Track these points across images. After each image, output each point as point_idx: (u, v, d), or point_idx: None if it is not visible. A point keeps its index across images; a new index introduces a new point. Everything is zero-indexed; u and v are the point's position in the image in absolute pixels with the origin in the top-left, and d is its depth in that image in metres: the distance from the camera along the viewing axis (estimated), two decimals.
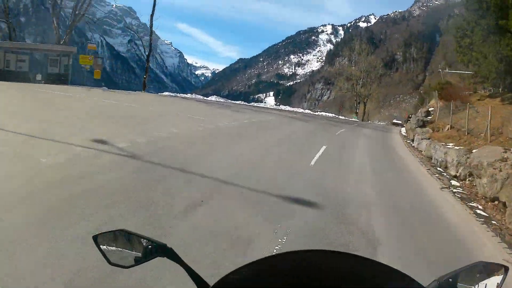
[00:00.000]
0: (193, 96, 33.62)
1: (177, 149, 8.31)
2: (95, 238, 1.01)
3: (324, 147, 11.38)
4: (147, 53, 33.39)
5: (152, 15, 32.25)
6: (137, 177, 5.81)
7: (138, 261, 0.99)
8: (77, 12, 31.26)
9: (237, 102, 37.55)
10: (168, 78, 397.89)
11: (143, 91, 29.80)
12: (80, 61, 29.82)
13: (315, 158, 9.50)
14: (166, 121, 12.96)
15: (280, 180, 6.96)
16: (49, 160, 5.97)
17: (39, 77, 29.20)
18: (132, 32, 32.11)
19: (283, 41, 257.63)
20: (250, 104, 39.33)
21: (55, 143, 6.97)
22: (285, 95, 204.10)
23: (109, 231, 1.02)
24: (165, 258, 0.96)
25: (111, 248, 1.00)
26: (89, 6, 31.80)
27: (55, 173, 5.38)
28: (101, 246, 1.00)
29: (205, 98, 33.66)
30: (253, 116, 19.63)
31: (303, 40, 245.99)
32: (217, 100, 32.62)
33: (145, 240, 0.99)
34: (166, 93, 28.57)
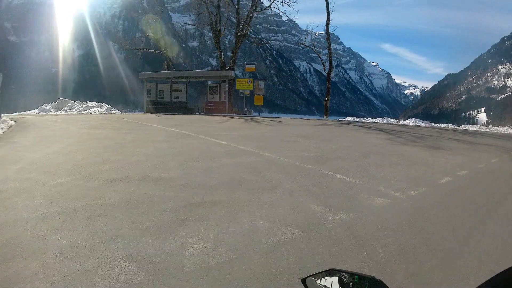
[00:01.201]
0: (387, 120, 23.07)
1: None
2: (303, 281, 1.06)
3: None
4: (327, 71, 23.81)
5: (327, 25, 24.61)
6: None
7: None
8: (239, 34, 25.82)
9: (443, 125, 28.25)
10: (378, 100, 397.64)
11: (325, 117, 23.23)
12: (237, 86, 23.14)
13: None
14: None
15: None
16: None
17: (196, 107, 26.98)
18: (316, 54, 23.46)
19: (488, 50, 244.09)
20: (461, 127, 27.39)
21: None
22: (497, 111, 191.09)
23: (318, 273, 1.07)
24: None
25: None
26: (249, 26, 26.54)
27: None
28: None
29: (402, 122, 24.98)
30: None
31: (509, 47, 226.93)
32: (417, 123, 24.02)
33: (354, 276, 1.00)
34: (350, 118, 19.38)
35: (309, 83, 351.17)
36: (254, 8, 24.92)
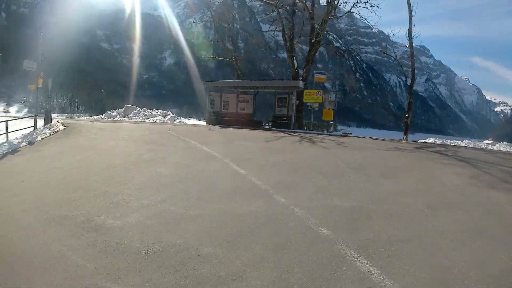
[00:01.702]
0: (474, 144, 18.84)
1: None
2: None
3: None
4: (409, 83, 19.75)
5: (409, 30, 20.37)
6: None
7: None
8: (313, 40, 22.75)
9: None
10: (468, 117, 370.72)
11: (404, 137, 19.09)
12: (304, 98, 20.81)
13: None
14: None
15: None
16: None
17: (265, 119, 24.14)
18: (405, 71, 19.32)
19: None
20: None
21: None
22: None
23: None
24: None
25: None
26: (323, 31, 23.10)
27: None
28: None
29: (491, 147, 18.12)
30: None
31: None
32: (510, 149, 17.47)
33: None
34: (431, 140, 15.00)
35: (398, 97, 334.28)
36: (329, 13, 21.85)
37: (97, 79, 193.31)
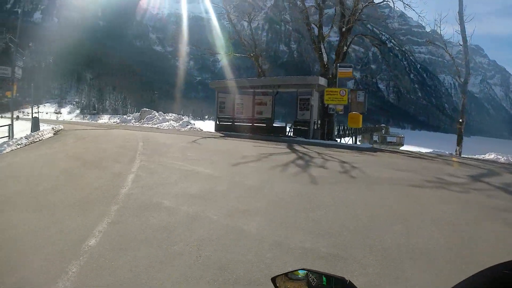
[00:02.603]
0: None
1: None
2: (273, 279, 1.07)
3: None
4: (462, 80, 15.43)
5: (459, 13, 16.04)
6: None
7: None
8: (343, 29, 18.70)
9: None
10: None
11: (457, 150, 15.41)
12: (325, 99, 16.59)
13: None
14: None
15: None
16: None
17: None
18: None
19: None
20: None
21: None
22: None
23: (288, 272, 1.07)
24: None
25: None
26: (354, 18, 18.60)
27: None
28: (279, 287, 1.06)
29: None
30: None
31: None
32: None
33: (323, 276, 1.02)
34: (491, 156, 10.44)
35: (453, 99, 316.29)
36: None
37: (149, 81, 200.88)
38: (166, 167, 7.33)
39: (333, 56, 19.38)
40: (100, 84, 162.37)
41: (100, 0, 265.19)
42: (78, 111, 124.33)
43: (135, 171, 6.83)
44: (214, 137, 15.27)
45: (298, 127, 18.42)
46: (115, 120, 29.89)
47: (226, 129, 19.92)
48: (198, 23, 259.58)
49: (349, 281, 0.96)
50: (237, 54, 23.13)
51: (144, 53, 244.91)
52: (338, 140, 19.86)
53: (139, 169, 7.04)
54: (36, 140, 13.98)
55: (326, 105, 17.01)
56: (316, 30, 19.60)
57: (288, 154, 9.91)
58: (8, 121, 14.77)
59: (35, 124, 17.03)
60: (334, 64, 18.31)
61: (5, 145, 12.19)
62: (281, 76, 24.17)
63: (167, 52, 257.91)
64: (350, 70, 16.83)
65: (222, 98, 20.39)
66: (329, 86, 17.18)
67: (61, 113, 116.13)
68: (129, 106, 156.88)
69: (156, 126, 22.56)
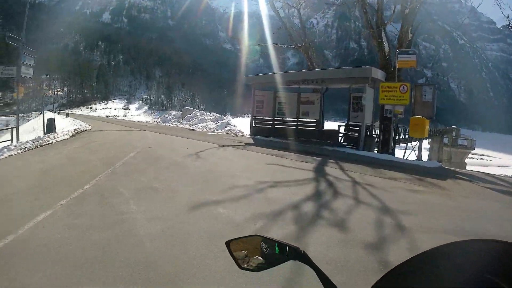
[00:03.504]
0: None
1: None
2: (227, 243, 1.07)
3: None
4: None
5: None
6: None
7: (270, 265, 1.01)
8: (406, 11, 14.30)
9: None
10: None
11: None
12: (380, 98, 12.49)
13: None
14: None
15: None
16: None
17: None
18: None
19: None
20: None
21: None
22: None
23: (242, 237, 1.08)
24: (297, 261, 0.98)
25: (243, 253, 1.05)
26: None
27: None
28: (232, 252, 1.05)
29: None
30: None
31: None
32: None
33: (278, 244, 1.00)
34: None
35: None
36: None
37: (219, 78, 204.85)
38: (103, 200, 4.77)
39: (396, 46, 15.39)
40: (169, 82, 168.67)
41: (169, 0, 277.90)
42: (146, 107, 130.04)
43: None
44: (233, 146, 12.30)
45: (349, 132, 14.84)
46: (156, 120, 28.79)
47: (264, 133, 16.76)
48: (269, 22, 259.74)
49: (304, 251, 0.94)
50: (282, 45, 19.82)
51: (213, 52, 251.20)
52: (400, 153, 15.60)
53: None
54: (43, 144, 13.02)
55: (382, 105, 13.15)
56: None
57: (302, 186, 6.36)
58: (64, 117, 13.79)
59: (50, 125, 16.13)
60: (395, 52, 14.27)
61: (5, 150, 11.25)
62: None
63: (237, 50, 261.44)
64: (414, 57, 12.32)
65: (260, 96, 17.24)
66: (388, 81, 13.24)
67: (129, 109, 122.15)
68: (197, 103, 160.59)
69: (192, 127, 20.53)
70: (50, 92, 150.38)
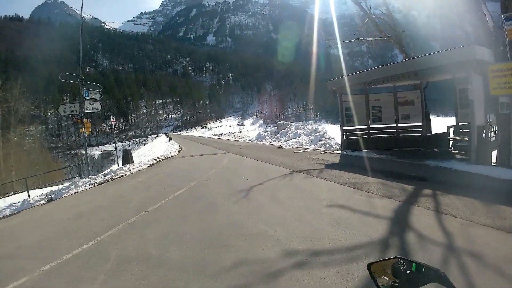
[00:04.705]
0: None
1: None
2: (368, 266, 1.07)
3: None
4: None
5: None
6: None
7: (405, 285, 0.99)
8: None
9: None
10: None
11: None
12: (491, 88, 8.79)
13: None
14: None
15: None
16: None
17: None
18: None
19: None
20: None
21: None
22: None
23: (384, 259, 1.07)
24: (437, 284, 0.92)
25: (385, 277, 1.03)
26: None
27: None
28: (374, 276, 1.04)
29: None
30: None
31: None
32: None
33: (419, 266, 0.99)
34: None
35: None
36: None
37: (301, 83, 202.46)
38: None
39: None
40: (280, 94, 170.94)
41: (269, 15, 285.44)
42: (261, 121, 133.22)
43: None
44: (308, 172, 10.10)
45: (459, 136, 11.87)
46: (251, 138, 28.08)
47: (357, 145, 14.26)
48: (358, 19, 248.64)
49: (444, 273, 0.90)
50: (370, 39, 17.28)
51: (319, 58, 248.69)
52: None
53: None
54: (115, 177, 13.21)
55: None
56: None
57: (352, 264, 4.09)
58: (167, 141, 14.32)
59: (126, 157, 16.78)
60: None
61: (72, 186, 11.31)
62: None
63: (344, 54, 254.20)
64: None
65: (348, 102, 14.74)
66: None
67: (243, 125, 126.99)
68: (311, 112, 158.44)
69: (283, 143, 19.50)
70: (164, 116, 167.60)
